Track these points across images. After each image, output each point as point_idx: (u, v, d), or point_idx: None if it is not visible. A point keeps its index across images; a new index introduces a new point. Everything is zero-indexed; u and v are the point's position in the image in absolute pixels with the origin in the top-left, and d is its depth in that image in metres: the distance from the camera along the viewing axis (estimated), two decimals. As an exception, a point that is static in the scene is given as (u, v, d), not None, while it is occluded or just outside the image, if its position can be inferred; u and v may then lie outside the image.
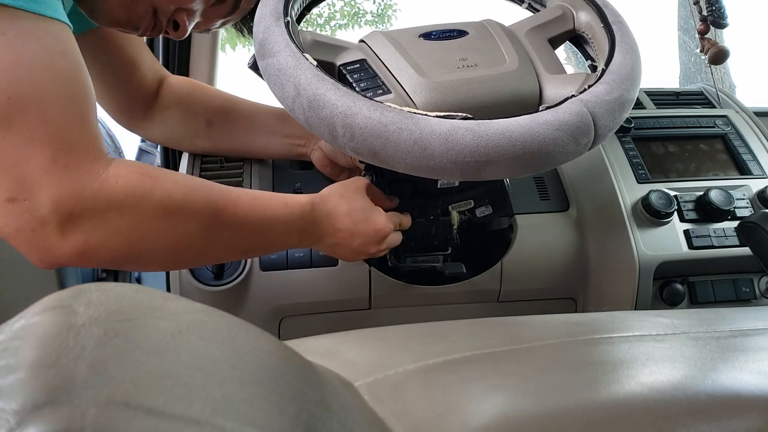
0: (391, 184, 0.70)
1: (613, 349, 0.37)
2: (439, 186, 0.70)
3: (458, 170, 0.50)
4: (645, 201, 0.79)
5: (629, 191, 0.82)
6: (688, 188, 0.83)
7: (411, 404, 0.30)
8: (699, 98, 1.02)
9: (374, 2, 6.31)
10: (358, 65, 0.58)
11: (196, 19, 0.67)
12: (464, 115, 0.50)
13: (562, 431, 0.28)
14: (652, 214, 0.79)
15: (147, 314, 0.21)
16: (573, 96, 0.53)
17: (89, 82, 0.52)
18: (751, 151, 0.89)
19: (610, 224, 0.81)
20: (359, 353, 0.38)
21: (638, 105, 0.97)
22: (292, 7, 0.60)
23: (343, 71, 0.58)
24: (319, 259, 0.77)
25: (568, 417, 0.29)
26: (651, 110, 0.96)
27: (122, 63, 0.77)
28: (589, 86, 0.54)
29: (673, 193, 0.81)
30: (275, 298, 0.77)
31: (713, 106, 0.99)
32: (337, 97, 0.50)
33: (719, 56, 0.82)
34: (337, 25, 6.32)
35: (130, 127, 0.84)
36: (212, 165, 0.84)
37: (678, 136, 0.90)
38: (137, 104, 0.81)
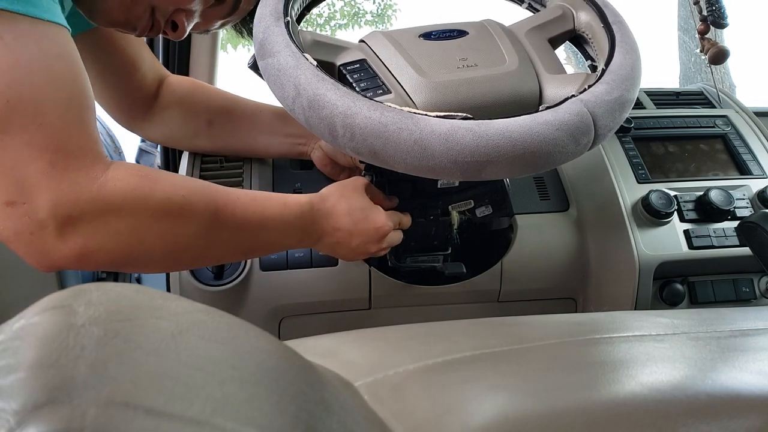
0: (391, 184, 0.70)
1: (613, 349, 0.37)
2: (439, 186, 0.70)
3: (458, 170, 0.50)
4: (645, 201, 0.79)
5: (629, 191, 0.82)
6: (688, 188, 0.83)
7: (411, 404, 0.30)
8: (699, 98, 1.02)
9: (374, 2, 6.31)
10: (358, 65, 0.58)
11: (195, 20, 0.67)
12: (464, 115, 0.50)
13: (562, 431, 0.28)
14: (652, 214, 0.79)
15: (147, 314, 0.21)
16: (573, 96, 0.53)
17: (88, 85, 0.52)
18: (751, 151, 0.89)
19: (610, 224, 0.81)
20: (359, 353, 0.38)
21: (638, 105, 0.97)
22: (292, 7, 0.60)
23: (343, 71, 0.58)
24: (319, 259, 0.77)
25: (568, 417, 0.29)
26: (651, 110, 0.96)
27: (123, 63, 0.77)
28: (589, 86, 0.54)
29: (673, 193, 0.81)
30: (275, 298, 0.77)
31: (713, 106, 0.99)
32: (337, 97, 0.50)
33: (719, 56, 0.82)
34: (337, 25, 6.33)
35: (130, 127, 0.84)
36: (212, 165, 0.84)
37: (678, 136, 0.90)
38: (137, 104, 0.81)
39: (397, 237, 0.68)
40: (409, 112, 0.49)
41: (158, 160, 1.16)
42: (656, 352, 0.36)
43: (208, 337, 0.22)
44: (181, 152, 0.88)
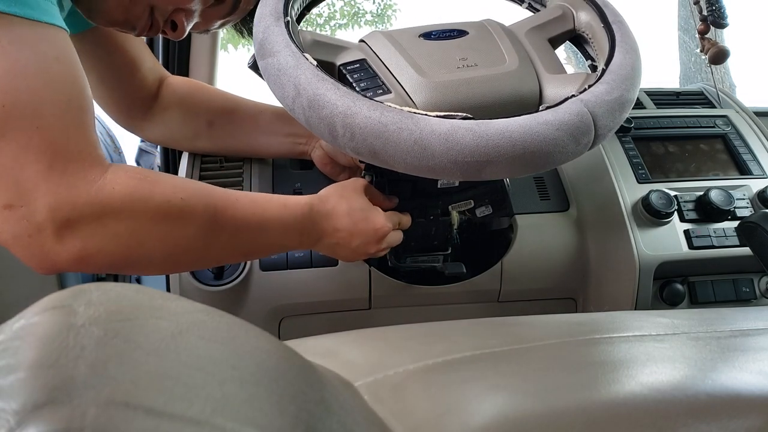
0: (391, 184, 0.70)
1: (613, 349, 0.37)
2: (439, 186, 0.70)
3: (458, 170, 0.49)
4: (645, 201, 0.79)
5: (629, 191, 0.82)
6: (688, 188, 0.83)
7: (411, 404, 0.30)
8: (699, 98, 1.02)
9: (374, 2, 6.31)
10: (358, 65, 0.58)
11: (195, 20, 0.67)
12: (464, 115, 0.50)
13: (562, 431, 0.28)
14: (652, 214, 0.79)
15: (147, 314, 0.21)
16: (573, 96, 0.53)
17: (86, 88, 0.52)
18: (751, 151, 0.89)
19: (610, 224, 0.81)
20: (359, 353, 0.38)
21: (638, 105, 0.97)
22: (292, 6, 0.60)
23: (343, 71, 0.58)
24: (319, 259, 0.77)
25: (568, 417, 0.29)
26: (651, 110, 0.96)
27: (123, 62, 0.77)
28: (589, 86, 0.54)
29: (673, 193, 0.81)
30: (275, 298, 0.77)
31: (713, 106, 0.99)
32: (337, 97, 0.50)
33: (719, 56, 0.82)
34: (337, 25, 6.33)
35: (130, 127, 0.84)
36: (212, 165, 0.84)
37: (678, 136, 0.90)
38: (137, 104, 0.81)
39: (397, 237, 0.68)
40: (409, 112, 0.49)
41: (158, 160, 1.15)
42: (656, 352, 0.36)
43: (208, 337, 0.22)
44: (180, 152, 0.88)
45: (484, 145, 0.48)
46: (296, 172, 0.86)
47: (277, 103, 0.58)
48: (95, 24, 0.65)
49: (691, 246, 0.78)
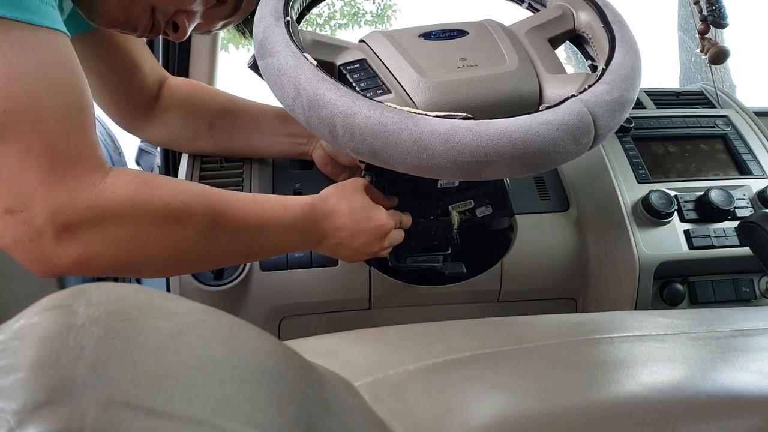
0: (391, 183, 0.70)
1: (613, 349, 0.37)
2: (439, 186, 0.70)
3: (458, 170, 0.49)
4: (645, 201, 0.79)
5: (629, 191, 0.82)
6: (688, 188, 0.83)
7: (411, 404, 0.30)
8: (699, 98, 1.02)
9: (374, 2, 6.31)
10: (358, 65, 0.58)
11: (197, 21, 0.67)
12: (464, 115, 0.50)
13: (562, 431, 0.28)
14: (652, 214, 0.79)
15: (147, 314, 0.21)
16: (573, 96, 0.53)
17: (87, 91, 0.52)
18: (751, 151, 0.89)
19: (610, 224, 0.81)
20: (359, 353, 0.38)
21: (638, 105, 0.97)
22: (292, 6, 0.60)
23: (343, 71, 0.58)
24: (319, 259, 0.77)
25: (568, 417, 0.29)
26: (651, 110, 0.96)
27: (124, 63, 0.77)
28: (590, 86, 0.54)
29: (673, 193, 0.81)
30: (275, 298, 0.77)
31: (713, 106, 0.99)
32: (337, 97, 0.50)
33: (719, 56, 0.82)
34: (337, 25, 6.33)
35: (131, 128, 0.84)
36: (212, 165, 0.84)
37: (678, 136, 0.90)
38: (138, 105, 0.81)
39: (398, 236, 0.68)
40: (409, 112, 0.49)
41: (158, 160, 1.15)
42: (656, 352, 0.36)
43: (208, 337, 0.22)
44: (180, 153, 0.88)
45: (484, 145, 0.48)
46: (296, 172, 0.86)
47: (277, 104, 0.58)
48: (96, 25, 0.65)
49: (691, 246, 0.78)
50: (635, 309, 0.79)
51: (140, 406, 0.17)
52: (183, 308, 0.23)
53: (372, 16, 6.35)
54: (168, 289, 0.79)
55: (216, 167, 0.84)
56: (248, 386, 0.20)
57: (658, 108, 0.97)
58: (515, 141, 0.49)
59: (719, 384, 0.32)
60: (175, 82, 0.84)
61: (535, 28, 0.64)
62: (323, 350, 0.38)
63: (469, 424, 0.28)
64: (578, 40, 0.66)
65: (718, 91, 1.00)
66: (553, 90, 0.58)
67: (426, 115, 0.49)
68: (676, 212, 0.80)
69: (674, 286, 0.81)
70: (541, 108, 0.53)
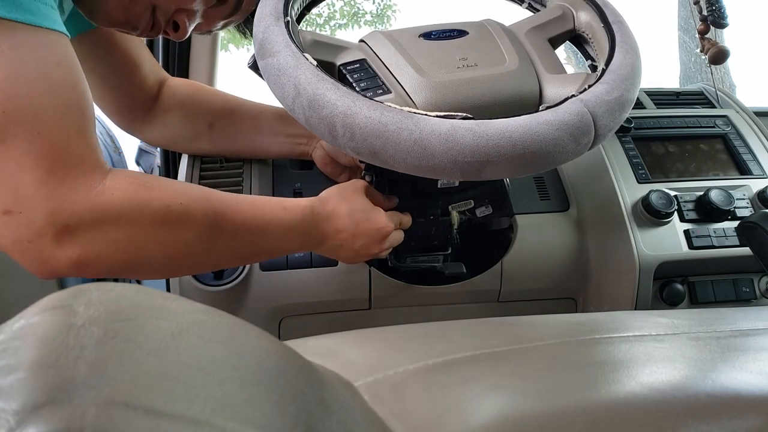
0: (391, 184, 0.70)
1: (613, 349, 0.37)
2: (439, 186, 0.70)
3: (458, 170, 0.49)
4: (645, 201, 0.79)
5: (629, 191, 0.82)
6: (688, 188, 0.83)
7: (411, 404, 0.30)
8: (699, 98, 1.02)
9: (374, 2, 6.31)
10: (358, 65, 0.58)
11: (197, 21, 0.67)
12: (464, 115, 0.50)
13: (562, 431, 0.28)
14: (652, 214, 0.79)
15: (147, 314, 0.21)
16: (573, 96, 0.53)
17: (87, 93, 0.52)
18: (751, 151, 0.89)
19: (610, 224, 0.81)
20: (359, 353, 0.38)
21: (638, 105, 0.97)
22: (292, 6, 0.60)
23: (343, 71, 0.58)
24: (319, 259, 0.77)
25: (568, 417, 0.29)
26: (651, 110, 0.96)
27: (124, 63, 0.77)
28: (590, 86, 0.54)
29: (673, 193, 0.81)
30: (275, 298, 0.77)
31: (713, 106, 0.99)
32: (337, 97, 0.50)
33: (719, 56, 0.82)
34: (337, 25, 6.33)
35: (130, 129, 0.84)
36: (212, 165, 0.84)
37: (678, 136, 0.90)
38: (138, 106, 0.81)
39: (398, 237, 0.68)
40: (409, 111, 0.49)
41: (158, 160, 1.15)
42: (656, 352, 0.36)
43: (208, 337, 0.22)
44: (180, 153, 0.88)
45: (484, 145, 0.48)
46: (296, 172, 0.86)
47: (277, 104, 0.58)
48: (97, 24, 0.65)
49: (691, 246, 0.78)
50: (635, 309, 0.79)
51: (140, 406, 0.17)
52: (183, 308, 0.23)
53: (372, 16, 6.35)
54: (168, 289, 0.79)
55: (216, 167, 0.84)
56: (248, 386, 0.20)
57: (658, 108, 0.97)
58: (515, 141, 0.49)
59: (719, 384, 0.32)
60: (175, 82, 0.84)
61: (535, 28, 0.64)
62: (323, 350, 0.38)
63: (469, 424, 0.28)
64: (578, 40, 0.66)
65: (718, 91, 1.00)
66: (553, 90, 0.58)
67: (426, 115, 0.49)
68: (676, 212, 0.80)
69: (674, 286, 0.81)
70: (541, 108, 0.53)
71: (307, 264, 0.77)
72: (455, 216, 0.74)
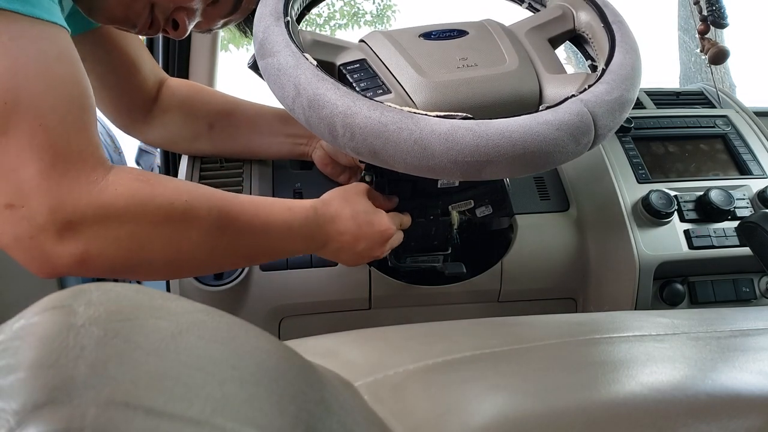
0: (391, 184, 0.70)
1: (613, 349, 0.37)
2: (439, 186, 0.70)
3: (458, 170, 0.49)
4: (645, 201, 0.79)
5: (629, 191, 0.82)
6: (688, 188, 0.83)
7: (411, 404, 0.30)
8: (699, 98, 1.02)
9: (374, 2, 6.31)
10: (358, 65, 0.58)
11: (197, 19, 0.67)
12: (464, 114, 0.50)
13: (562, 431, 0.28)
14: (652, 214, 0.79)
15: (147, 314, 0.21)
16: (573, 96, 0.53)
17: (88, 87, 0.52)
18: (751, 151, 0.89)
19: (610, 224, 0.81)
20: (359, 353, 0.38)
21: (638, 105, 0.97)
22: (292, 6, 0.60)
23: (343, 71, 0.58)
24: (319, 260, 0.77)
25: (568, 417, 0.29)
26: (651, 110, 0.96)
27: (123, 64, 0.77)
28: (590, 86, 0.54)
29: (673, 193, 0.81)
30: (275, 298, 0.77)
31: (713, 106, 0.99)
32: (337, 97, 0.50)
33: (719, 56, 0.82)
34: (337, 25, 6.33)
35: (130, 130, 0.84)
36: (212, 165, 0.84)
37: (678, 136, 0.90)
38: (137, 107, 0.80)
39: (398, 238, 0.68)
40: (409, 111, 0.49)
41: (158, 160, 1.16)
42: (656, 352, 0.36)
43: (208, 337, 0.22)
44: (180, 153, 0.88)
45: (484, 145, 0.48)
46: (296, 172, 0.86)
47: (276, 104, 0.58)
48: (95, 22, 0.65)
49: (691, 246, 0.78)
50: (635, 309, 0.79)
51: (140, 406, 0.17)
52: (183, 308, 0.23)
53: (372, 16, 6.35)
54: (168, 289, 0.79)
55: (216, 167, 0.84)
56: (248, 386, 0.20)
57: (658, 108, 0.97)
58: (515, 141, 0.49)
59: (719, 384, 0.32)
60: (174, 83, 0.84)
61: (535, 28, 0.64)
62: (323, 350, 0.38)
63: (469, 424, 0.28)
64: (578, 40, 0.66)
65: (718, 91, 1.00)
66: (553, 90, 0.58)
67: (426, 115, 0.49)
68: (676, 212, 0.80)
69: (674, 286, 0.81)
70: (541, 108, 0.53)
71: (307, 264, 0.77)
72: (455, 216, 0.74)
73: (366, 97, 0.50)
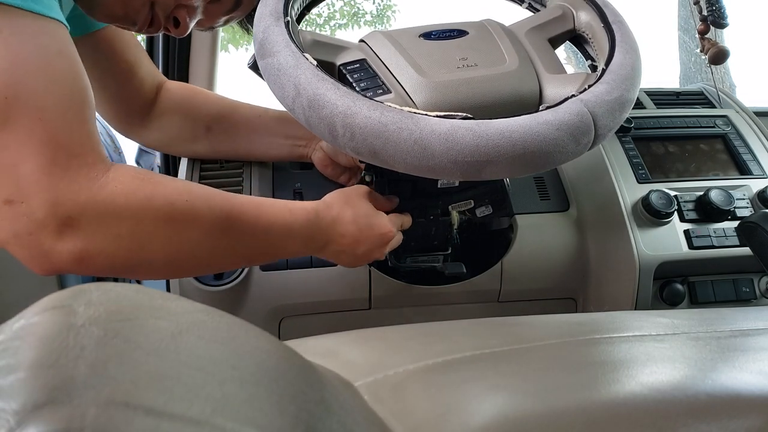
0: (391, 184, 0.70)
1: (613, 349, 0.37)
2: (439, 186, 0.70)
3: (458, 170, 0.49)
4: (645, 201, 0.79)
5: (629, 191, 0.82)
6: (688, 188, 0.83)
7: (411, 404, 0.30)
8: (699, 98, 1.02)
9: (374, 2, 6.31)
10: (358, 65, 0.58)
11: (198, 17, 0.66)
12: (464, 114, 0.50)
13: (562, 431, 0.28)
14: (652, 214, 0.79)
15: (147, 314, 0.21)
16: (573, 96, 0.53)
17: (88, 84, 0.51)
18: (751, 151, 0.89)
19: (610, 224, 0.81)
20: (359, 353, 0.38)
21: (638, 105, 0.97)
22: (292, 6, 0.60)
23: (343, 71, 0.58)
24: (319, 259, 0.76)
25: (568, 417, 0.29)
26: (651, 110, 0.96)
27: (120, 67, 0.77)
28: (590, 86, 0.54)
29: (673, 193, 0.81)
30: (275, 298, 0.77)
31: (713, 106, 0.99)
32: (337, 97, 0.50)
33: (719, 56, 0.82)
34: (337, 25, 6.33)
35: (127, 132, 0.84)
36: (212, 165, 0.84)
37: (678, 136, 0.90)
38: (135, 109, 0.80)
39: (398, 239, 0.68)
40: (409, 111, 0.49)
41: (158, 160, 1.15)
42: (656, 352, 0.36)
43: (208, 337, 0.22)
44: (180, 155, 0.88)
45: (484, 145, 0.48)
46: (296, 172, 0.86)
47: (276, 105, 0.58)
48: (96, 20, 0.65)
49: (691, 246, 0.78)
50: (635, 309, 0.79)
51: (140, 406, 0.17)
52: (183, 308, 0.23)
53: (372, 16, 6.35)
54: (168, 289, 0.79)
55: (216, 167, 0.84)
56: (248, 386, 0.20)
57: (658, 108, 0.97)
58: (515, 141, 0.49)
59: (719, 384, 0.32)
60: (172, 86, 0.84)
61: (535, 28, 0.64)
62: (323, 350, 0.38)
63: (469, 424, 0.28)
64: (578, 40, 0.66)
65: (718, 91, 1.00)
66: (553, 90, 0.58)
67: (426, 115, 0.49)
68: (676, 212, 0.80)
69: (674, 286, 0.81)
70: (541, 108, 0.53)
71: (307, 264, 0.77)
72: (455, 216, 0.74)
73: (366, 97, 0.50)
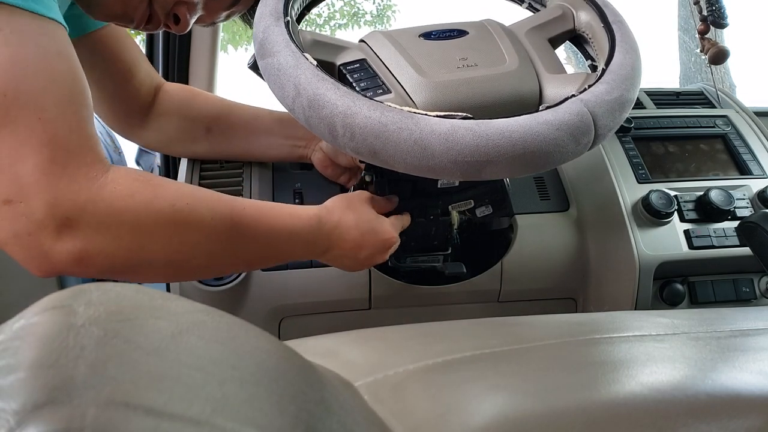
0: (391, 183, 0.70)
1: (613, 349, 0.37)
2: (439, 186, 0.70)
3: (458, 170, 0.49)
4: (645, 201, 0.79)
5: (629, 191, 0.82)
6: (688, 188, 0.83)
7: (411, 404, 0.30)
8: (699, 98, 1.02)
9: (374, 2, 6.31)
10: (358, 65, 0.58)
11: (198, 13, 0.66)
12: (464, 114, 0.50)
13: (562, 431, 0.28)
14: (652, 214, 0.79)
15: (147, 314, 0.21)
16: (573, 96, 0.53)
17: (86, 85, 0.51)
18: (751, 151, 0.89)
19: (610, 224, 0.81)
20: (359, 353, 0.38)
21: (638, 105, 0.97)
22: (292, 6, 0.60)
23: (343, 71, 0.58)
24: None
25: (568, 417, 0.29)
26: (651, 110, 0.96)
27: (118, 68, 0.77)
28: (590, 86, 0.54)
29: (673, 193, 0.81)
30: (275, 298, 0.77)
31: (713, 106, 0.99)
32: (337, 97, 0.50)
33: (719, 56, 0.82)
34: (337, 25, 6.33)
35: (127, 134, 0.84)
36: (212, 165, 0.84)
37: (678, 136, 0.90)
38: (134, 111, 0.80)
39: (398, 242, 0.68)
40: (409, 111, 0.49)
41: (158, 160, 1.16)
42: (656, 352, 0.36)
43: (208, 337, 0.22)
44: (180, 155, 0.88)
45: (484, 145, 0.48)
46: (296, 172, 0.86)
47: (276, 106, 0.58)
48: (94, 18, 0.64)
49: (691, 246, 0.78)
50: (635, 309, 0.79)
51: (140, 406, 0.17)
52: (183, 308, 0.23)
53: (372, 16, 6.35)
54: (168, 289, 0.79)
55: (216, 168, 0.84)
56: (248, 386, 0.20)
57: (658, 108, 0.97)
58: (515, 141, 0.49)
59: (719, 384, 0.32)
60: (171, 87, 0.84)
61: (535, 28, 0.64)
62: (323, 350, 0.38)
63: (469, 424, 0.28)
64: (578, 40, 0.66)
65: (718, 91, 1.00)
66: (553, 90, 0.58)
67: (426, 115, 0.49)
68: (676, 212, 0.80)
69: (674, 286, 0.81)
70: (541, 108, 0.53)
71: (307, 264, 0.77)
72: (455, 216, 0.74)
73: (366, 97, 0.50)
